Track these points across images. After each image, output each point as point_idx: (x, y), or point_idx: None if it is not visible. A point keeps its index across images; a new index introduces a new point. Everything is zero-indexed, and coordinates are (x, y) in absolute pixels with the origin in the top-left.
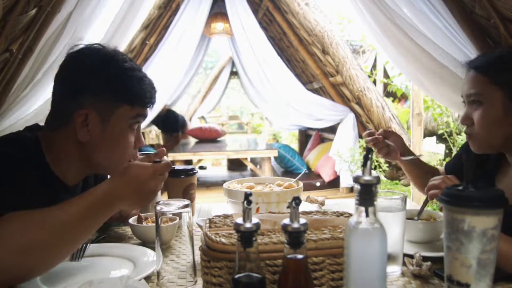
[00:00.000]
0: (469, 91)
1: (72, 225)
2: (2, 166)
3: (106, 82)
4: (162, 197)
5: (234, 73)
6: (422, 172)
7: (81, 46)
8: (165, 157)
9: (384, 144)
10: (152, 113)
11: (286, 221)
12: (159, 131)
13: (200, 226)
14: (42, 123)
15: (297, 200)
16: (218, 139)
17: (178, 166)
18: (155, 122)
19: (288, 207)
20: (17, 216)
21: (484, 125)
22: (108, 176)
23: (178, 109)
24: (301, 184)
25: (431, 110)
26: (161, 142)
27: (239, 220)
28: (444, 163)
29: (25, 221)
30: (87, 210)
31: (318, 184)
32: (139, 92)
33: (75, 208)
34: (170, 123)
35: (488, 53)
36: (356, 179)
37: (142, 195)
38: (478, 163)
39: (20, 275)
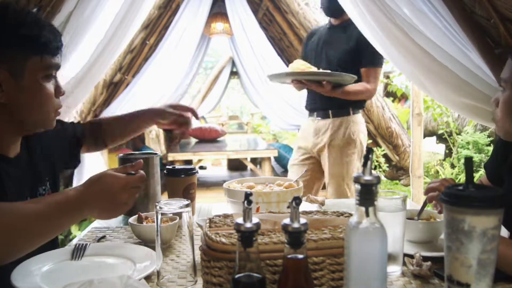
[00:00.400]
0: (501, 75)
1: (35, 221)
2: None
3: (8, 36)
4: (162, 196)
5: (234, 73)
6: None
7: None
8: (141, 171)
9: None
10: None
11: (286, 221)
12: (159, 130)
13: (200, 226)
14: None
15: (297, 200)
16: (218, 139)
17: (178, 166)
18: None
19: (288, 207)
20: None
21: (503, 110)
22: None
23: None
24: (301, 184)
25: (431, 110)
26: (161, 141)
27: (239, 220)
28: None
29: None
30: (54, 211)
31: None
32: (43, 39)
33: (42, 206)
34: None
35: None
36: (356, 179)
37: (112, 206)
38: (502, 155)
39: None
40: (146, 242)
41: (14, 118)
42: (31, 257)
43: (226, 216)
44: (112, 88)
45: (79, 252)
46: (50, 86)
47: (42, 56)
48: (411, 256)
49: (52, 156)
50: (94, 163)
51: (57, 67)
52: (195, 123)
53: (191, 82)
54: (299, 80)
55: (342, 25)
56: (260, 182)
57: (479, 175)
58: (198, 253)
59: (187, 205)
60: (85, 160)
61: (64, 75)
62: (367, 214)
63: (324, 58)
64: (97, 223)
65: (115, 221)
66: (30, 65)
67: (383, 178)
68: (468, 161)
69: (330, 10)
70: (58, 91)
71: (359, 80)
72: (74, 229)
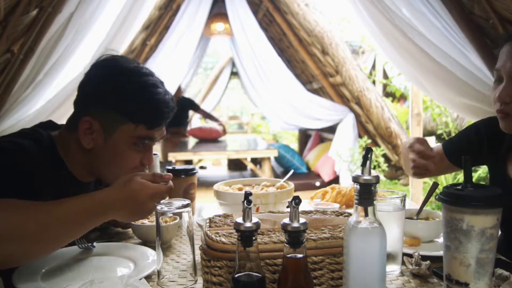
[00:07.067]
0: (500, 67)
1: (60, 222)
2: (14, 156)
3: (112, 96)
4: None
5: (234, 74)
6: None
7: (109, 55)
8: (170, 182)
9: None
10: None
11: (286, 220)
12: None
13: (200, 226)
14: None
15: (297, 200)
16: (218, 139)
17: (178, 166)
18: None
19: (288, 207)
20: (9, 202)
21: None
22: None
23: None
24: (292, 184)
25: (430, 110)
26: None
27: (239, 220)
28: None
29: (16, 208)
30: (80, 212)
31: (317, 184)
32: (146, 112)
33: (68, 207)
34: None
35: None
36: (355, 179)
37: (136, 213)
38: (492, 148)
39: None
40: (147, 241)
41: (92, 165)
42: None
43: (226, 216)
44: None
45: (82, 239)
46: (134, 153)
47: (138, 125)
48: (410, 256)
49: None
50: None
51: (151, 138)
52: (195, 123)
53: (189, 82)
54: None
55: None
56: (247, 184)
57: (478, 174)
58: (198, 252)
59: (187, 205)
60: None
61: (66, 76)
62: (366, 214)
63: None
64: None
65: None
66: (122, 129)
67: (382, 177)
68: (467, 161)
69: None
70: (146, 160)
71: None
72: None
